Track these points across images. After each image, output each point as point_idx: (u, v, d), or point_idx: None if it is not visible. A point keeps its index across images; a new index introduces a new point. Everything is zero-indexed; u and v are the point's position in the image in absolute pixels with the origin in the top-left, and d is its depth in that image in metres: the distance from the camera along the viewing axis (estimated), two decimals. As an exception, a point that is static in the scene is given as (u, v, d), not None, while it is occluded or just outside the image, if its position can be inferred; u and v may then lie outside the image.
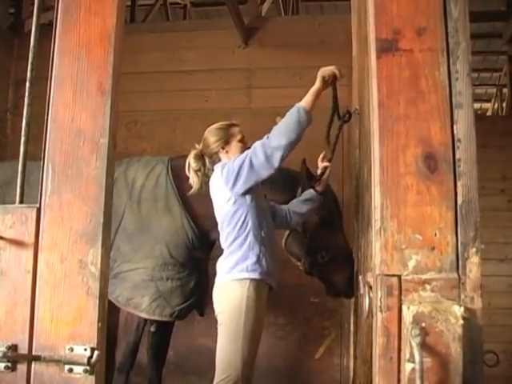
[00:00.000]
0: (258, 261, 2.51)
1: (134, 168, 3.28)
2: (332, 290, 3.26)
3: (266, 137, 2.49)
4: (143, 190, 3.22)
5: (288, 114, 2.51)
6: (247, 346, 2.46)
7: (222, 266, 2.61)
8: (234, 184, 2.52)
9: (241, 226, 2.56)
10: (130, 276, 3.06)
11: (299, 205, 2.93)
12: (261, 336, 2.64)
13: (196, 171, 2.74)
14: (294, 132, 2.45)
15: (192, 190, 2.75)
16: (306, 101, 2.57)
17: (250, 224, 2.55)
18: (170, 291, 3.06)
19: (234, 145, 2.70)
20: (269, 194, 2.91)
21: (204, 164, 2.76)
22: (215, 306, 2.58)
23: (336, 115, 2.84)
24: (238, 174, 2.50)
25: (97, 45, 1.53)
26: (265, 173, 2.50)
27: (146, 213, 3.19)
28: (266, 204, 2.73)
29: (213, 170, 2.72)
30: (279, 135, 2.45)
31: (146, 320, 3.15)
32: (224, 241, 2.66)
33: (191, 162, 2.74)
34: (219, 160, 2.71)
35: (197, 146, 2.76)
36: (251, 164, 2.47)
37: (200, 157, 2.75)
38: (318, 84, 2.65)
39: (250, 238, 2.54)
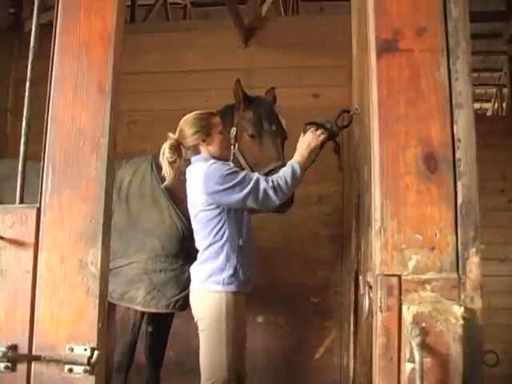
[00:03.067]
0: (235, 273, 2.44)
1: (122, 168, 3.31)
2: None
3: (271, 180, 2.42)
4: (130, 188, 3.25)
5: (292, 171, 2.45)
6: (231, 352, 2.42)
7: (197, 273, 2.53)
8: (213, 193, 2.41)
9: (217, 233, 2.46)
10: (124, 271, 3.07)
11: None
12: (245, 340, 2.60)
13: (171, 163, 2.55)
14: (294, 189, 2.53)
15: (165, 183, 2.61)
16: (303, 160, 2.53)
17: (227, 233, 2.45)
18: (164, 283, 3.05)
19: (216, 137, 2.56)
20: None
21: (180, 155, 2.57)
22: (194, 312, 2.54)
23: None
24: (225, 190, 2.39)
25: (97, 45, 1.53)
26: (250, 206, 2.45)
27: (134, 209, 3.20)
28: None
29: (189, 161, 2.58)
30: (286, 189, 2.42)
31: (142, 318, 3.15)
32: (198, 242, 2.56)
33: (166, 152, 2.54)
34: (197, 152, 2.57)
35: (171, 135, 2.57)
36: (245, 197, 2.38)
37: (176, 148, 2.56)
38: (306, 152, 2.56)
39: (227, 247, 2.45)
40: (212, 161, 2.50)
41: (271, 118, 3.08)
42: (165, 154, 2.54)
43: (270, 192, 2.39)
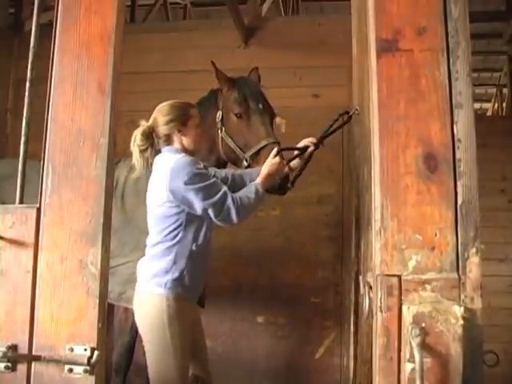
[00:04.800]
0: (180, 278, 2.26)
1: (119, 167, 3.27)
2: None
3: (237, 198, 2.27)
4: (126, 185, 3.17)
5: (255, 192, 2.34)
6: (179, 362, 2.23)
7: (143, 270, 2.37)
8: (175, 190, 2.24)
9: (170, 233, 2.29)
10: (120, 270, 3.03)
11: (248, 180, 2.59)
12: (205, 347, 2.46)
13: (142, 151, 2.38)
14: (255, 210, 2.41)
15: (135, 173, 2.47)
16: (264, 183, 2.41)
17: (180, 234, 2.28)
18: None
19: (192, 129, 2.41)
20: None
21: (152, 144, 2.41)
22: (136, 319, 2.35)
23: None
24: (188, 191, 2.22)
25: (97, 44, 1.53)
26: (207, 216, 2.28)
27: (129, 207, 3.13)
28: None
29: (159, 151, 2.43)
30: (249, 210, 2.32)
31: None
32: (148, 238, 2.39)
33: (138, 139, 2.37)
34: (169, 142, 2.41)
35: (144, 122, 2.40)
36: (207, 206, 2.23)
37: (149, 135, 2.39)
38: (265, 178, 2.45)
39: (177, 250, 2.27)
40: (183, 154, 2.35)
41: (257, 96, 2.98)
42: (136, 141, 2.38)
43: (233, 211, 2.26)
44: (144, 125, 2.40)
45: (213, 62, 2.99)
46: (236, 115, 2.90)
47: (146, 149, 2.39)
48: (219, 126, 2.93)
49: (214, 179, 2.35)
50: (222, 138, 2.92)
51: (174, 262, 2.26)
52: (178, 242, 2.28)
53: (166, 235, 2.29)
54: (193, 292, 2.36)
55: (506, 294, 4.59)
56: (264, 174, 2.44)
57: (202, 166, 2.36)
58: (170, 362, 2.22)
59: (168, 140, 2.41)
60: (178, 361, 2.22)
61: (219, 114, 2.95)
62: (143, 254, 2.97)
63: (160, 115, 2.41)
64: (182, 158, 2.31)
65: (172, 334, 2.21)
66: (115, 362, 3.14)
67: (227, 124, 2.93)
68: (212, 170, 2.61)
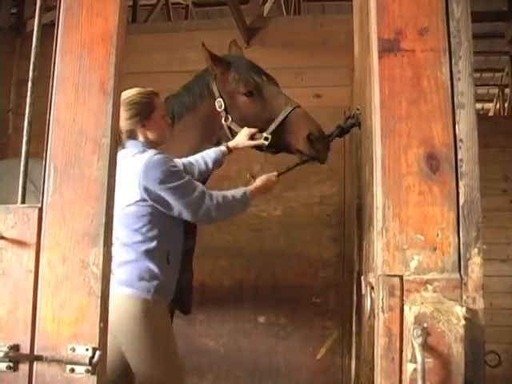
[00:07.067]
0: (166, 280, 2.16)
1: None
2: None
3: (216, 197, 2.19)
4: None
5: (241, 196, 2.28)
6: (168, 366, 2.13)
7: (119, 273, 2.13)
8: (149, 189, 2.12)
9: (146, 232, 2.16)
10: None
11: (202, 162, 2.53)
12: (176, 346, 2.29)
13: None
14: (235, 214, 2.37)
15: None
16: (254, 193, 2.39)
17: (158, 233, 2.16)
18: None
19: (157, 120, 2.29)
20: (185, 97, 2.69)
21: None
22: (115, 325, 2.04)
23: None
24: (164, 190, 2.11)
25: (99, 45, 1.53)
26: (183, 216, 2.19)
27: None
28: None
29: (122, 146, 2.28)
30: (227, 210, 2.25)
31: None
32: (121, 240, 2.18)
33: None
34: (133, 137, 2.29)
35: None
36: (185, 206, 2.13)
37: None
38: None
39: (157, 250, 2.15)
40: (153, 151, 2.21)
41: (257, 69, 2.79)
42: None
43: (212, 208, 2.17)
44: None
45: (203, 44, 2.83)
46: (245, 94, 2.70)
47: None
48: (223, 115, 2.71)
49: (189, 177, 2.24)
50: (229, 127, 2.71)
51: (158, 265, 2.15)
52: (158, 242, 2.16)
53: (143, 235, 2.16)
54: (169, 296, 2.26)
55: (507, 294, 4.58)
56: (258, 186, 2.43)
57: (175, 163, 2.27)
58: (161, 370, 2.10)
59: (131, 135, 2.29)
60: (166, 366, 2.13)
61: (219, 101, 2.72)
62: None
63: (121, 109, 2.20)
64: (154, 154, 2.18)
65: (152, 341, 2.10)
66: None
67: (235, 109, 2.72)
68: (180, 164, 2.46)
